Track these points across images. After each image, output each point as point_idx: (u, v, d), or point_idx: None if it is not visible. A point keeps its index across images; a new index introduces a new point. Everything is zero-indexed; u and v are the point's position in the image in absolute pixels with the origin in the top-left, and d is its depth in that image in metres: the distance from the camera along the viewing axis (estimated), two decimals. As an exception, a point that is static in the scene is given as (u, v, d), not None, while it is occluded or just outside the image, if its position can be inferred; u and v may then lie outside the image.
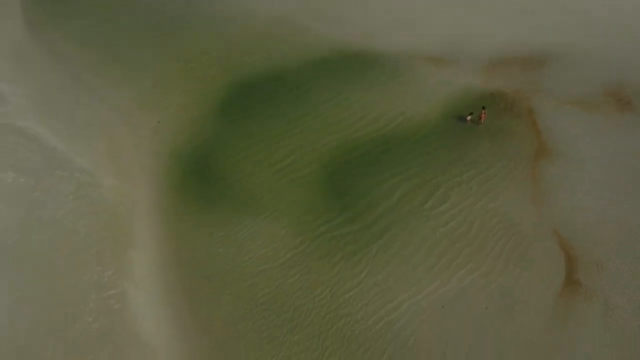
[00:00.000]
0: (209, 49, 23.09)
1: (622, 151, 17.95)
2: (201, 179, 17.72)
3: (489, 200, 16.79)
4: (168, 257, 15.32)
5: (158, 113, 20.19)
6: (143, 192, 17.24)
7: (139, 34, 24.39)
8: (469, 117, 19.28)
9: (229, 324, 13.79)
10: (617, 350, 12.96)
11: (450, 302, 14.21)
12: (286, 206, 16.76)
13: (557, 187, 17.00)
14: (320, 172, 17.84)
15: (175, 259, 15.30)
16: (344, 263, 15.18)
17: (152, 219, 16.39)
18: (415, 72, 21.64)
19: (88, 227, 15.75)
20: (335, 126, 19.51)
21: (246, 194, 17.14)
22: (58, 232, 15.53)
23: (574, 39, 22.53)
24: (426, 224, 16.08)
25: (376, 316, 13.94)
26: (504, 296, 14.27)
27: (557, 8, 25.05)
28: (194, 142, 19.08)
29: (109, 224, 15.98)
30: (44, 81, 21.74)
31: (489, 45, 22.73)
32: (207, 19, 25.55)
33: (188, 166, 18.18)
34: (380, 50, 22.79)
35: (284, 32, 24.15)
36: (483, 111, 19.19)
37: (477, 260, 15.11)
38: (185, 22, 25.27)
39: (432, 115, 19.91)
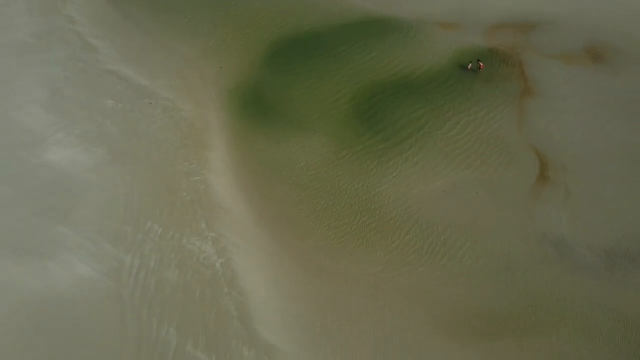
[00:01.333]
0: (260, 15, 28.03)
1: (591, 91, 22.55)
2: (257, 106, 22.73)
3: (486, 125, 21.54)
4: (236, 154, 20.36)
5: (219, 61, 25.20)
6: (213, 114, 22.25)
7: (200, 2, 29.45)
8: (469, 66, 23.99)
9: (286, 194, 18.80)
10: (572, 218, 17.63)
11: (450, 189, 18.99)
12: (331, 129, 21.67)
13: (536, 116, 21.69)
14: (359, 106, 22.71)
15: (241, 156, 20.34)
16: (379, 167, 20.01)
17: (221, 131, 21.41)
18: (430, 34, 26.33)
19: (174, 137, 20.78)
20: (368, 74, 24.32)
21: (295, 118, 22.11)
22: (153, 140, 20.57)
23: (559, 9, 27.11)
24: (441, 141, 20.89)
25: (401, 201, 18.73)
26: (491, 185, 19.03)
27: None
28: (249, 82, 24.04)
29: (190, 135, 21.00)
30: (124, 39, 26.84)
31: (490, 13, 27.38)
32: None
33: (246, 98, 23.17)
34: (401, 17, 27.53)
35: (321, 2, 28.98)
36: (479, 63, 23.90)
37: (474, 163, 19.92)
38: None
39: (444, 66, 24.64)
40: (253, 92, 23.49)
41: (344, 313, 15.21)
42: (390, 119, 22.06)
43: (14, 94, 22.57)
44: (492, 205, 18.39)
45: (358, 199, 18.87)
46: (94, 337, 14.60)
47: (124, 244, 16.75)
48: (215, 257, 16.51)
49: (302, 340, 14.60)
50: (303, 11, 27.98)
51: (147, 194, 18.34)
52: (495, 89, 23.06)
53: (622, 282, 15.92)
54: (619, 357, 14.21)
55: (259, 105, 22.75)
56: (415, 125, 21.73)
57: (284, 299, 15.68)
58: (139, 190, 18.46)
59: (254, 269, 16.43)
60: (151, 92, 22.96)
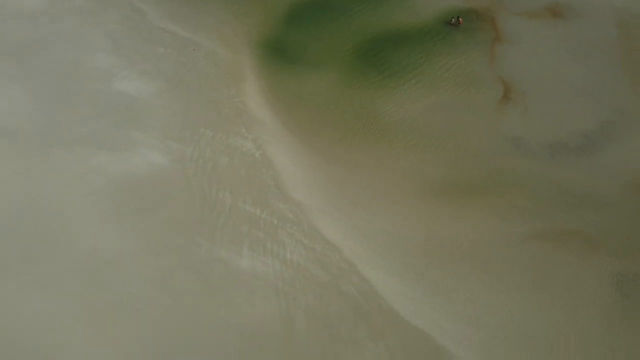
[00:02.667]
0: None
1: (549, 39, 27.99)
2: (280, 53, 28.18)
3: (465, 64, 26.98)
4: (265, 85, 25.85)
5: (247, 20, 30.70)
6: (245, 58, 27.70)
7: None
8: (452, 21, 29.51)
9: (305, 113, 24.24)
10: (526, 124, 23.05)
11: (439, 107, 24.41)
12: (344, 68, 27.09)
13: (504, 57, 27.12)
14: (366, 53, 28.13)
15: (269, 86, 25.83)
16: (385, 94, 25.42)
17: (252, 70, 26.87)
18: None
19: (216, 73, 26.21)
20: (374, 29, 29.72)
21: (313, 62, 27.55)
22: (199, 75, 26.00)
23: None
24: (433, 76, 26.33)
25: (401, 115, 24.15)
26: (468, 103, 24.46)
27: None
28: (273, 35, 29.50)
29: (228, 72, 26.42)
30: (167, 4, 32.39)
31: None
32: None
33: (271, 47, 28.63)
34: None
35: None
36: (459, 19, 29.43)
37: (456, 89, 25.36)
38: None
39: (433, 23, 30.02)
40: (276, 42, 28.97)
41: (352, 182, 20.65)
42: (393, 61, 27.49)
43: (84, 45, 28.03)
44: (468, 116, 23.82)
45: (367, 114, 24.29)
46: (167, 201, 19.96)
47: (184, 142, 22.16)
48: (254, 149, 21.91)
49: (321, 198, 20.02)
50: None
51: (199, 110, 23.77)
52: (473, 38, 28.51)
53: (560, 164, 21.34)
54: (551, 209, 19.60)
55: (281, 52, 28.24)
56: (413, 65, 27.16)
57: (307, 175, 21.11)
58: (192, 108, 23.88)
59: (283, 156, 21.85)
60: (194, 42, 28.42)
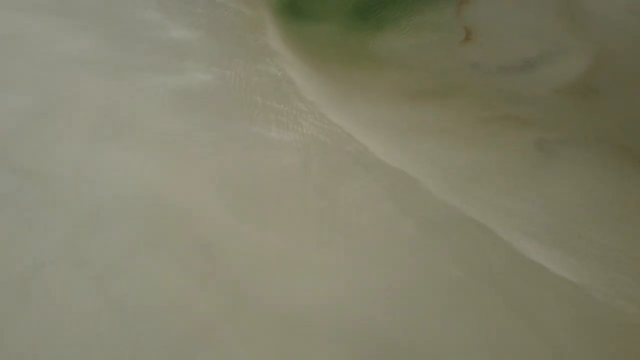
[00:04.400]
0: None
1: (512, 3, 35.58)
2: (292, 9, 35.74)
3: (439, 17, 34.46)
4: (281, 31, 33.27)
5: (265, -10, 38.37)
6: (265, 14, 35.22)
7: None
8: (428, -12, 37.16)
9: (312, 50, 31.60)
10: (481, 55, 30.44)
11: (413, 45, 31.81)
12: (340, 20, 34.58)
13: (468, 13, 34.65)
14: (359, 8, 35.67)
15: (284, 32, 33.23)
16: (378, 39, 32.86)
17: (270, 21, 34.34)
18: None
19: (243, 24, 33.64)
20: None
21: (317, 14, 35.06)
22: (230, 26, 33.43)
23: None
24: (413, 26, 33.80)
25: (386, 49, 31.52)
26: (439, 44, 31.84)
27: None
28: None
29: (252, 23, 33.88)
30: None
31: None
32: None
33: (285, 5, 36.22)
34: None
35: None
36: (436, -14, 37.08)
37: (430, 35, 32.74)
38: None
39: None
40: (290, 2, 36.63)
41: (352, 90, 27.88)
42: (383, 15, 35.01)
43: (136, 4, 35.58)
44: (439, 52, 31.16)
45: (361, 49, 31.64)
46: (214, 100, 27.07)
47: (223, 67, 29.45)
48: (277, 71, 29.15)
49: (327, 99, 27.21)
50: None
51: (233, 48, 31.12)
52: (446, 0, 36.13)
53: (506, 79, 28.59)
54: (497, 104, 26.77)
55: (293, 9, 35.81)
56: (401, 18, 34.62)
57: (316, 87, 28.33)
58: (227, 47, 31.23)
59: (298, 75, 29.11)
60: (224, 5, 36.01)
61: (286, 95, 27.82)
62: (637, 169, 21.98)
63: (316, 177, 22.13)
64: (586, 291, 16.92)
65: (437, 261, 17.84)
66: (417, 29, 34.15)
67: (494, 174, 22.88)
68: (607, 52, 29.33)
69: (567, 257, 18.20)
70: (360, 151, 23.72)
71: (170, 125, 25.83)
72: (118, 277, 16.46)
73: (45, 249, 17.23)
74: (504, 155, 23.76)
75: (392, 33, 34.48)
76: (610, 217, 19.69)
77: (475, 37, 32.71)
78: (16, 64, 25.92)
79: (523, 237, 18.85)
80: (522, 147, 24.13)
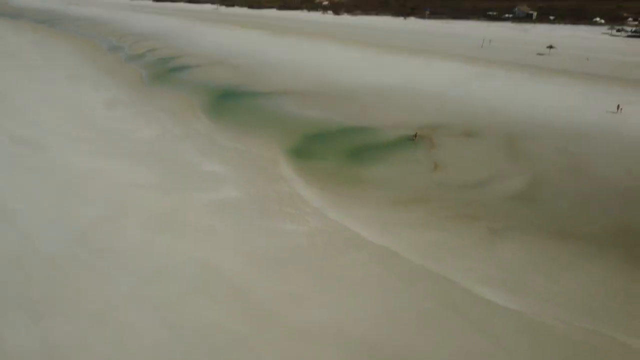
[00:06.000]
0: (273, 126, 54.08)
1: (461, 146, 46.55)
2: (299, 152, 46.25)
3: (416, 156, 44.81)
4: (291, 166, 43.05)
5: (276, 136, 49.78)
6: (278, 154, 45.63)
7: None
8: (414, 138, 48.64)
9: (316, 174, 40.89)
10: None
11: (394, 172, 41.27)
12: (336, 162, 44.77)
13: (435, 153, 45.15)
14: (354, 154, 46.30)
15: (294, 167, 43.03)
16: (370, 168, 42.55)
17: (283, 160, 44.46)
18: (391, 131, 51.75)
19: (263, 162, 43.65)
20: (360, 145, 48.70)
21: (321, 159, 45.40)
22: (253, 164, 43.40)
23: (450, 118, 53.29)
24: (396, 162, 43.93)
25: (372, 176, 40.86)
26: (415, 173, 41.36)
27: None
28: (294, 146, 48.08)
29: (268, 159, 43.93)
30: (228, 131, 51.96)
31: (420, 119, 53.35)
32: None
33: (293, 150, 46.82)
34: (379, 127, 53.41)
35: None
36: (415, 136, 48.66)
37: (409, 167, 42.55)
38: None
39: (401, 139, 49.22)
40: (297, 149, 47.42)
41: (346, 197, 36.19)
42: (372, 156, 45.39)
43: (180, 149, 46.21)
44: (413, 177, 40.44)
45: (355, 180, 40.96)
46: (240, 197, 35.18)
47: (249, 188, 38.24)
48: (287, 188, 37.85)
49: (329, 204, 35.35)
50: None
51: (255, 174, 40.49)
52: (421, 145, 47.18)
53: (464, 193, 37.30)
54: (452, 206, 34.85)
55: (301, 152, 46.38)
56: (386, 158, 44.94)
57: (314, 194, 36.66)
58: (249, 173, 40.66)
59: (304, 192, 37.72)
60: (247, 151, 46.79)
61: (296, 203, 35.56)
62: (560, 243, 29.32)
63: (320, 252, 28.83)
64: (524, 314, 23.23)
65: (414, 298, 23.98)
66: (398, 163, 43.84)
67: (457, 247, 29.63)
68: (541, 175, 38.78)
69: (510, 295, 24.39)
70: (353, 236, 30.70)
71: (210, 222, 33.14)
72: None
73: None
74: (463, 235, 30.93)
75: (379, 167, 43.86)
76: (542, 273, 26.54)
77: (441, 167, 42.42)
78: (96, 185, 35.11)
79: (478, 283, 25.54)
80: (477, 231, 31.47)
